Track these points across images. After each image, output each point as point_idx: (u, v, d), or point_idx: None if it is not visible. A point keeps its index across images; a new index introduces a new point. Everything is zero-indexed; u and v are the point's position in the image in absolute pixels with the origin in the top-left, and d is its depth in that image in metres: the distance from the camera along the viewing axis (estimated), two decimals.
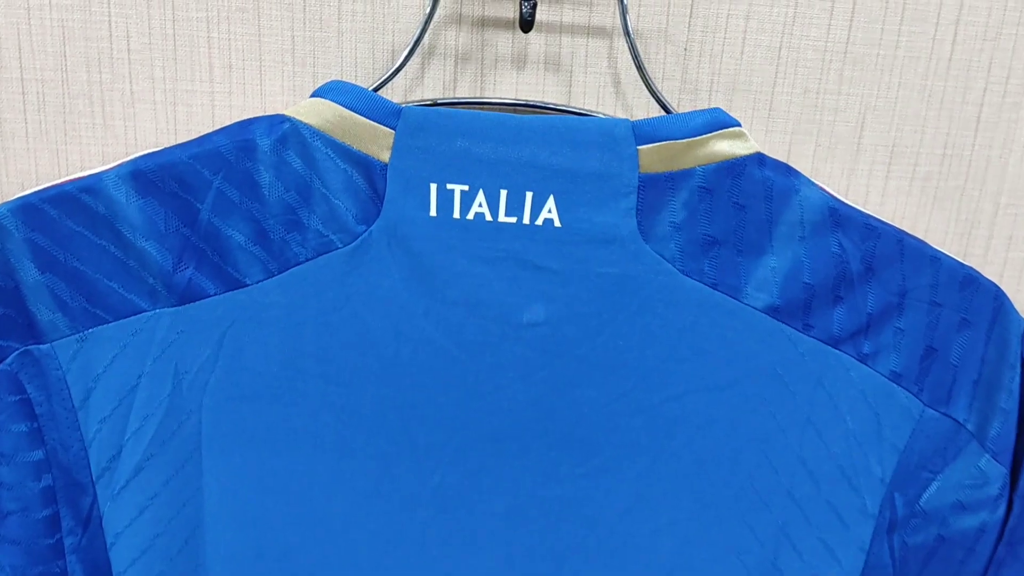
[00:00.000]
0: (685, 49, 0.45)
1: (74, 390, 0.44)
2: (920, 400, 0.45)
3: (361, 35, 0.44)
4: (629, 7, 0.43)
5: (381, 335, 0.44)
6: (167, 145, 0.42)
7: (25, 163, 0.45)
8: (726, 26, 0.44)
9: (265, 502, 0.45)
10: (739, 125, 0.42)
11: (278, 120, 0.42)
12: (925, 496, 0.46)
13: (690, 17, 0.44)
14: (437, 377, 0.44)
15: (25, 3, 0.43)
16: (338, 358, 0.44)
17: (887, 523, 0.47)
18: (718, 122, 0.42)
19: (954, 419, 0.45)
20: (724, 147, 0.42)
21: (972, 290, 0.44)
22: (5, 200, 0.41)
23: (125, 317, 0.43)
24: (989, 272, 0.43)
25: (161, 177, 0.42)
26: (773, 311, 0.44)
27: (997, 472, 0.46)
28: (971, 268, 0.44)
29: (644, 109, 0.45)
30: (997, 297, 0.44)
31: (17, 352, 0.43)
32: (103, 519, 0.45)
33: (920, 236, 0.43)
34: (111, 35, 0.44)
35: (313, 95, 0.42)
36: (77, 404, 0.44)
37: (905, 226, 0.43)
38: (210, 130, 0.42)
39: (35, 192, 0.41)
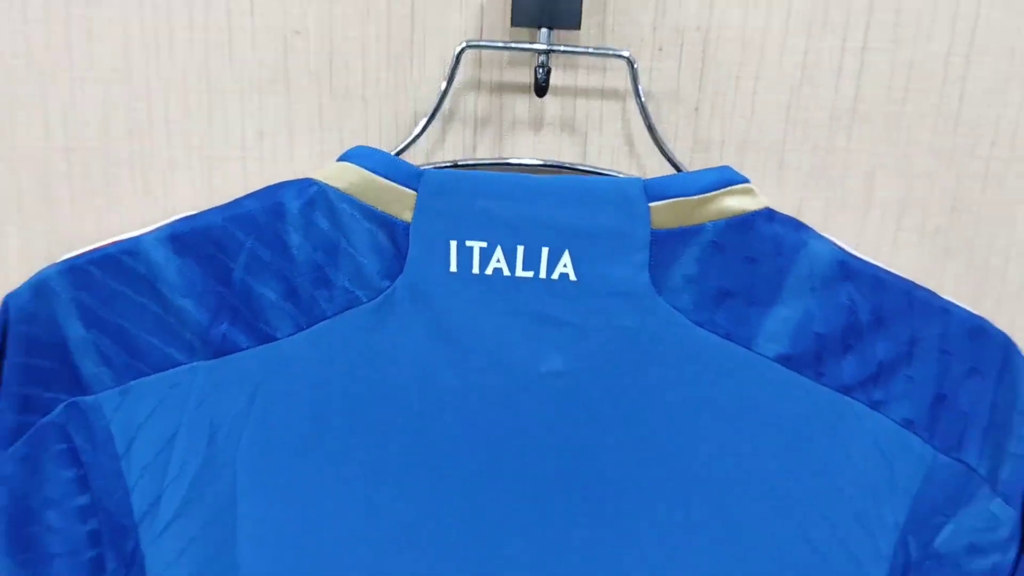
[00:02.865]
0: (696, 109, 0.44)
1: (118, 439, 0.44)
2: (932, 446, 0.44)
3: (384, 102, 0.44)
4: (640, 70, 0.43)
5: (406, 388, 0.44)
6: (202, 209, 0.42)
7: (70, 228, 0.46)
8: (736, 86, 0.44)
9: (296, 551, 0.45)
10: (748, 182, 0.42)
11: (306, 184, 0.42)
12: (939, 539, 0.45)
13: (701, 79, 0.44)
14: (461, 428, 0.44)
15: (68, 76, 0.44)
16: (365, 411, 0.44)
17: (901, 566, 0.46)
18: (727, 179, 0.42)
19: (966, 464, 0.44)
20: (734, 203, 0.42)
21: (982, 340, 0.43)
22: (52, 263, 0.41)
23: (164, 370, 0.44)
24: (1001, 323, 0.42)
25: (197, 239, 0.42)
26: (785, 360, 0.43)
27: (1008, 515, 0.45)
28: (981, 318, 0.43)
29: (657, 168, 0.45)
30: (1006, 346, 0.43)
31: (64, 404, 0.44)
32: (144, 560, 0.46)
33: (931, 288, 0.42)
34: (149, 106, 0.44)
35: (339, 159, 0.42)
36: (120, 452, 0.44)
37: (916, 278, 0.42)
38: (242, 194, 0.42)
39: (80, 255, 0.42)
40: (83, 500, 0.45)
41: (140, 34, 0.43)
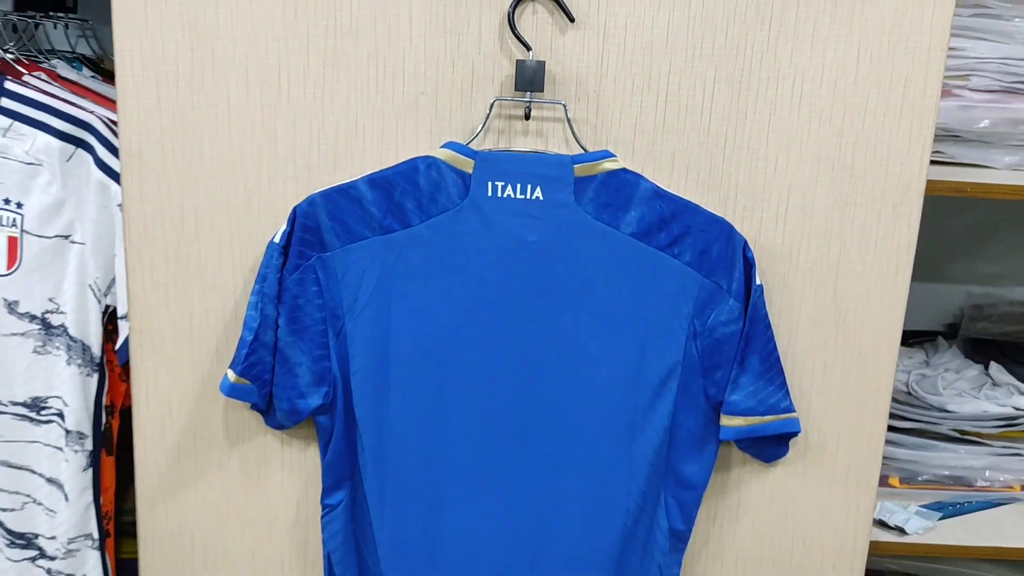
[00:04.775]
0: (594, 127, 0.99)
1: (339, 273, 0.97)
2: (701, 274, 0.96)
3: (460, 123, 0.97)
4: (569, 109, 0.98)
5: (467, 246, 0.95)
6: (380, 168, 0.97)
7: (320, 180, 1.00)
8: (611, 116, 0.99)
9: (416, 321, 0.98)
10: (615, 157, 0.96)
11: (427, 157, 0.95)
12: (709, 321, 0.97)
13: (596, 113, 0.99)
14: (492, 265, 0.95)
15: (321, 111, 0.99)
16: (449, 257, 0.95)
17: (692, 334, 0.98)
18: (606, 155, 0.95)
19: (717, 283, 0.98)
20: (609, 165, 0.96)
21: (719, 224, 0.97)
22: (313, 192, 0.96)
23: (361, 240, 0.95)
24: (731, 219, 0.97)
25: (380, 180, 0.95)
26: (633, 235, 0.95)
27: (737, 306, 0.97)
28: (719, 216, 0.96)
29: (577, 151, 0.99)
30: (730, 227, 0.96)
31: (316, 256, 0.97)
32: (347, 332, 0.99)
33: (699, 204, 0.97)
34: (357, 126, 0.99)
35: (441, 147, 0.95)
36: (339, 279, 0.97)
37: (692, 200, 0.97)
38: (396, 163, 0.97)
39: (328, 188, 0.95)
40: (320, 301, 0.99)
41: (358, 95, 0.98)
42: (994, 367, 1.37)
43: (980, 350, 1.47)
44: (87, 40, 1.45)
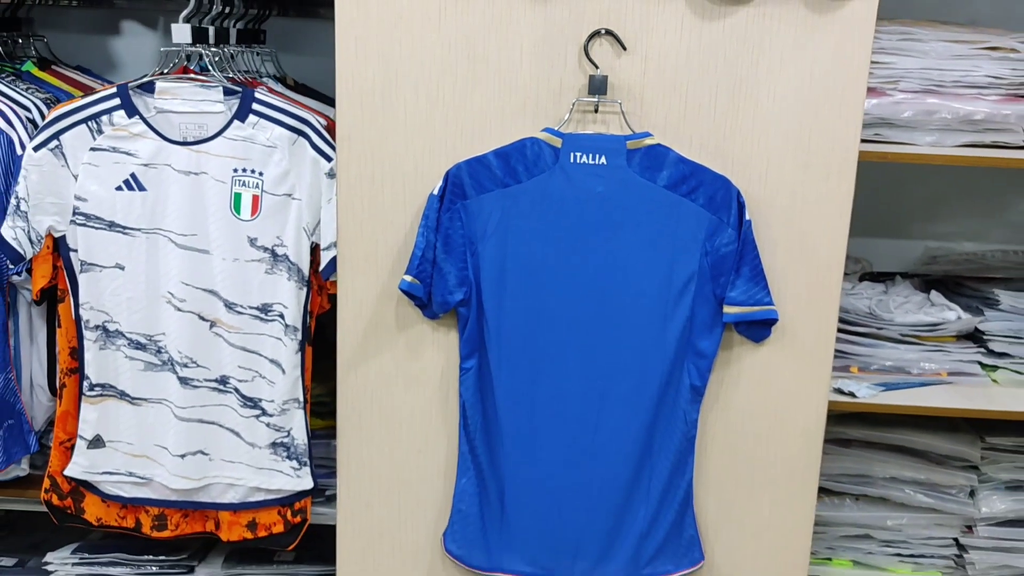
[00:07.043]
0: (640, 117, 1.52)
1: (475, 213, 1.49)
2: (709, 212, 1.47)
3: (551, 116, 1.51)
4: (623, 105, 1.51)
5: (557, 196, 1.45)
6: (502, 145, 1.51)
7: (465, 155, 1.55)
8: (651, 110, 1.51)
9: (523, 245, 1.50)
10: (653, 136, 1.47)
11: (531, 138, 1.46)
12: (715, 244, 1.48)
13: (641, 107, 1.51)
14: (572, 208, 1.45)
15: (462, 108, 1.54)
16: (546, 206, 1.45)
17: (704, 252, 1.48)
18: (647, 135, 1.46)
19: (720, 218, 1.48)
20: (649, 141, 1.46)
21: (721, 180, 1.47)
22: (459, 161, 1.51)
23: (489, 192, 1.47)
24: (732, 178, 1.50)
25: (502, 153, 1.45)
26: (665, 187, 1.46)
27: (733, 234, 1.46)
28: (722, 175, 1.48)
29: (628, 132, 1.53)
30: (728, 182, 1.46)
31: (460, 203, 1.51)
32: (479, 252, 1.53)
33: (707, 166, 1.51)
34: (485, 120, 1.53)
35: (541, 131, 1.48)
36: (475, 217, 1.49)
37: (705, 164, 1.50)
38: (512, 142, 1.52)
39: (469, 158, 1.49)
40: (463, 231, 1.51)
41: (487, 100, 1.51)
42: (933, 294, 1.87)
43: (930, 285, 1.98)
44: (272, 63, 2.01)
